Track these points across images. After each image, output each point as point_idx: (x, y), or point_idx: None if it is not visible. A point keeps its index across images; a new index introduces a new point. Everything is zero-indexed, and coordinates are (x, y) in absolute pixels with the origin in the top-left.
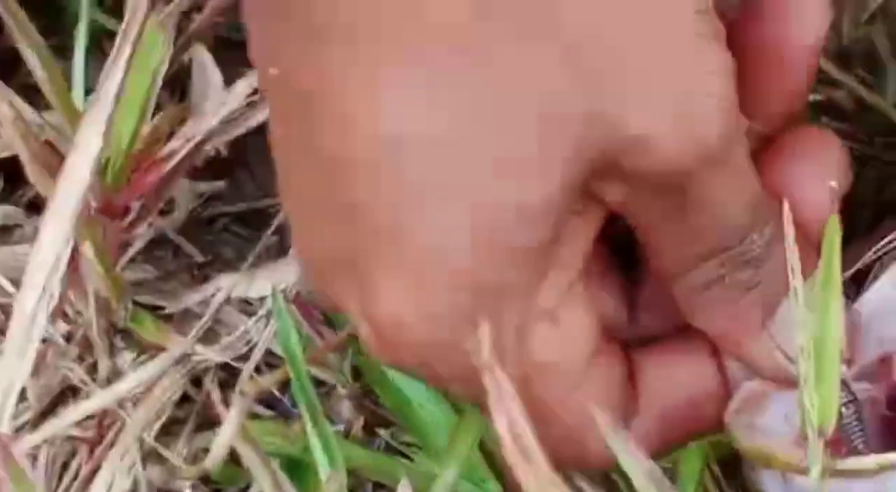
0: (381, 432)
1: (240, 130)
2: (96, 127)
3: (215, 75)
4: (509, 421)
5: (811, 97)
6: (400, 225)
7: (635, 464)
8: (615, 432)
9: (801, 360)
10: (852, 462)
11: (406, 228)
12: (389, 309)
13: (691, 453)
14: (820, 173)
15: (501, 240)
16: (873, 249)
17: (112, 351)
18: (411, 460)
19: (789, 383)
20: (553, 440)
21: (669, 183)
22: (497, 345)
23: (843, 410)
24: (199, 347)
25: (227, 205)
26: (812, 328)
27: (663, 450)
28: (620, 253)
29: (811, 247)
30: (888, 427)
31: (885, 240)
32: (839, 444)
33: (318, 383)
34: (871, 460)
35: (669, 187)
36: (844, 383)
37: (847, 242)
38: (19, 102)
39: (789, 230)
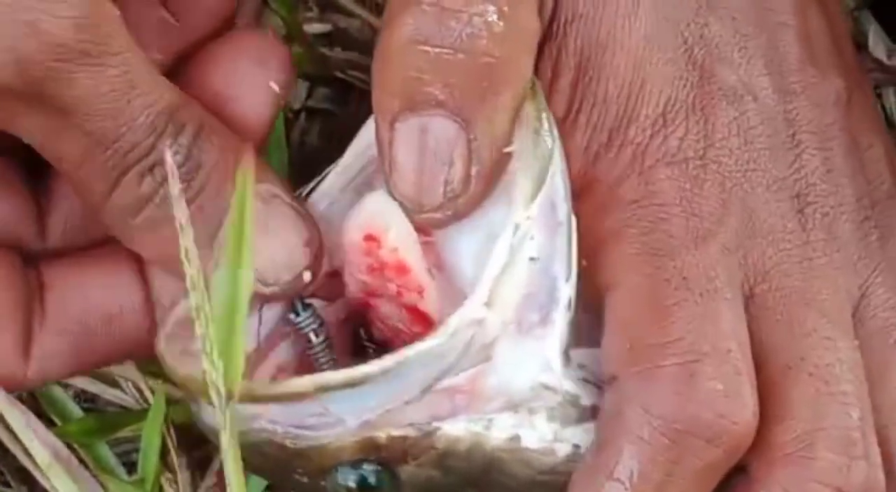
0: None
1: None
2: None
3: None
4: None
5: (325, 27)
6: None
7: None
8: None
9: (200, 322)
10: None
11: None
12: None
13: (152, 420)
14: (261, 74)
15: None
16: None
17: None
18: None
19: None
20: None
21: (33, 92)
22: None
23: (313, 338)
24: None
25: None
26: (222, 291)
27: (79, 367)
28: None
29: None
30: (340, 345)
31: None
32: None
33: None
34: (308, 382)
35: (34, 96)
36: (312, 308)
37: None
38: None
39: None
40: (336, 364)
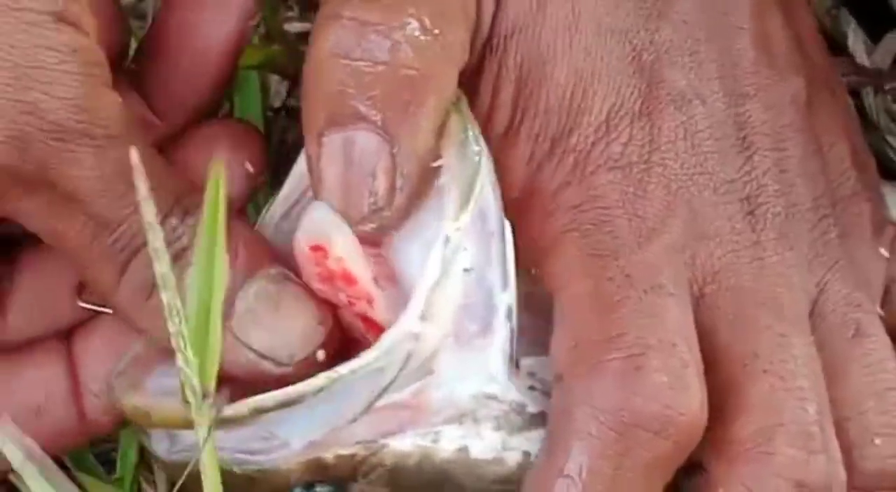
0: None
1: None
2: None
3: None
4: None
5: (305, 26)
6: None
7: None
8: None
9: (174, 320)
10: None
11: None
12: None
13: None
14: (235, 157)
15: None
16: None
17: None
18: None
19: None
20: None
21: (36, 173)
22: None
23: None
24: None
25: None
26: (196, 288)
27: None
28: None
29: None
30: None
31: None
32: None
33: None
34: (243, 406)
35: (38, 178)
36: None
37: None
38: None
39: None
40: None
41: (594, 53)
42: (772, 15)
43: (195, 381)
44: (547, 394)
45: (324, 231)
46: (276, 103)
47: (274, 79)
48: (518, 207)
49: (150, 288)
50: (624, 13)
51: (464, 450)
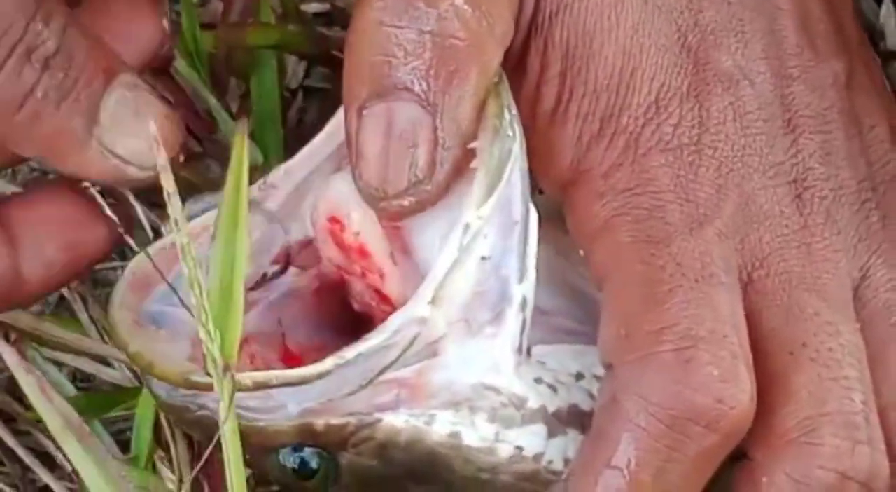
0: None
1: None
2: None
3: None
4: None
5: (323, 6)
6: None
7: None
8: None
9: (196, 294)
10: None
11: None
12: None
13: (145, 398)
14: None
15: None
16: None
17: None
18: None
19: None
20: None
21: None
22: None
23: None
24: None
25: None
26: (218, 263)
27: None
28: None
29: None
30: (318, 314)
31: None
32: None
33: None
34: (248, 381)
35: None
36: None
37: None
38: None
39: None
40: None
41: (641, 31)
42: None
43: (217, 354)
44: (553, 388)
45: (343, 204)
46: (293, 84)
47: (291, 59)
48: (566, 188)
49: (21, 102)
50: None
51: (455, 436)
